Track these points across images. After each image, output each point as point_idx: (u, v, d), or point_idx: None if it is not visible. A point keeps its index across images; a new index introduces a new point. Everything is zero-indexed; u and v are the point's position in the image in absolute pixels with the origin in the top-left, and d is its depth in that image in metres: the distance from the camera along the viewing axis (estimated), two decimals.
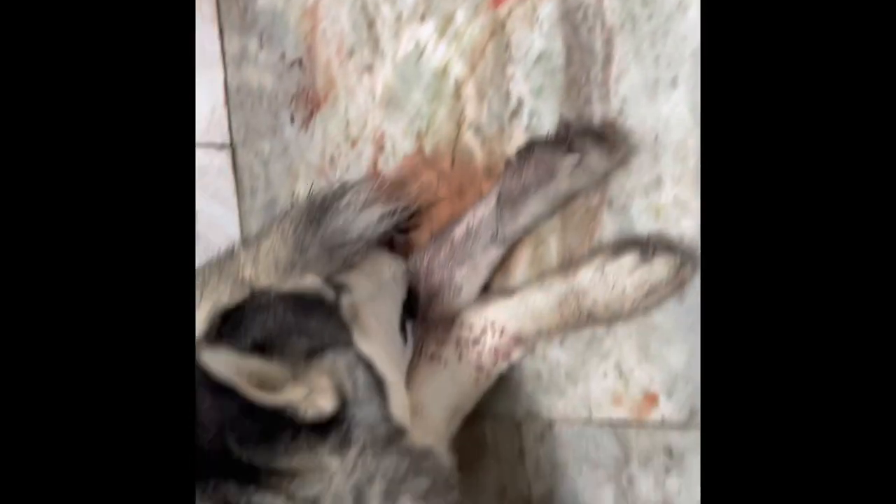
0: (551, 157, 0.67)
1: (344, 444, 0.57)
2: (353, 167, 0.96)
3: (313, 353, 0.61)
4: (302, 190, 1.04)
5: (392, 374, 0.64)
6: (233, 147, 1.15)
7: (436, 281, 0.75)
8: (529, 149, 0.68)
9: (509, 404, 0.78)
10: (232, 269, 0.87)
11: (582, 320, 0.67)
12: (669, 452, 0.66)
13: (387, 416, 0.59)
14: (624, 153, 0.67)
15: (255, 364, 0.57)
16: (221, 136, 1.14)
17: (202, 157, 1.12)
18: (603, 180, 0.69)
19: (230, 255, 0.91)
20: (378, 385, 0.61)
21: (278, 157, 1.07)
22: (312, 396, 0.57)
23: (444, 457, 0.64)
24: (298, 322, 0.63)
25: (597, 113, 0.70)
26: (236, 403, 0.54)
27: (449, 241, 0.74)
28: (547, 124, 0.74)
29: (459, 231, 0.73)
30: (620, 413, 0.69)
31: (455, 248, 0.73)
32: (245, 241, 0.90)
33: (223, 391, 0.53)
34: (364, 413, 0.59)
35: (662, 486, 0.67)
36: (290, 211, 0.82)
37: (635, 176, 0.68)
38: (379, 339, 0.67)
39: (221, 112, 1.14)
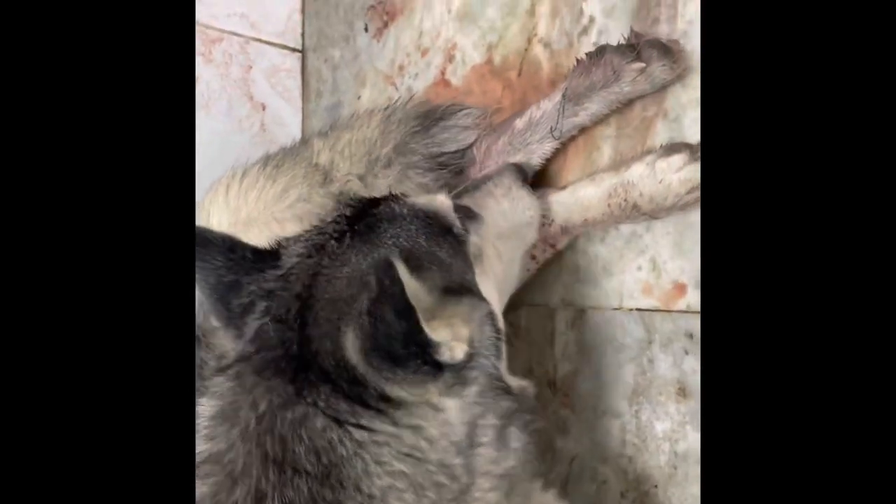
0: (619, 62, 0.74)
1: (458, 385, 0.57)
2: (422, 75, 1.04)
3: (450, 291, 0.60)
4: (367, 96, 1.12)
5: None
6: (304, 51, 1.22)
7: (491, 165, 0.83)
8: (601, 51, 0.75)
9: (546, 294, 0.86)
10: (306, 154, 0.95)
11: (626, 212, 0.75)
12: (690, 336, 0.74)
13: (499, 375, 0.61)
14: (684, 68, 0.75)
15: (413, 287, 0.56)
16: (295, 40, 1.21)
17: (276, 57, 1.20)
18: (661, 93, 0.77)
19: (304, 142, 0.99)
20: (498, 341, 0.62)
21: (348, 64, 1.15)
22: (453, 343, 0.57)
23: (532, 389, 0.66)
24: (430, 248, 0.62)
25: (663, 32, 0.78)
26: (404, 327, 0.52)
27: (510, 130, 0.82)
28: (614, 42, 0.81)
29: (521, 122, 0.81)
30: (649, 302, 0.77)
31: (514, 136, 0.81)
32: (320, 132, 0.98)
33: (402, 312, 0.52)
34: (482, 365, 0.59)
35: (679, 367, 0.75)
36: (395, 112, 0.90)
37: (691, 91, 0.75)
38: (497, 279, 0.68)
39: (297, 18, 1.22)
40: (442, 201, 0.67)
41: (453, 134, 0.85)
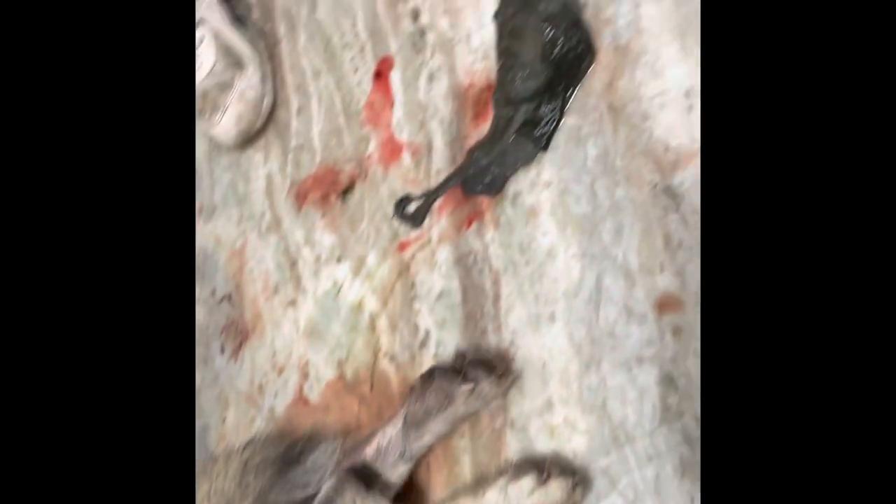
0: (449, 385, 0.75)
1: None
2: (281, 394, 1.02)
3: None
4: (232, 417, 1.09)
5: None
6: None
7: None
8: (430, 376, 0.76)
9: None
10: None
11: None
12: None
13: None
14: (512, 381, 0.76)
15: None
16: None
17: None
18: (504, 403, 0.77)
19: None
20: None
21: (209, 386, 1.12)
22: None
23: None
24: None
25: (492, 342, 0.80)
26: None
27: (361, 458, 0.80)
28: (451, 352, 0.83)
29: (370, 450, 0.79)
30: None
31: (367, 464, 0.79)
32: None
33: None
34: None
35: None
36: (253, 455, 0.86)
37: (530, 399, 0.76)
38: None
39: None
40: None
41: (311, 476, 0.82)
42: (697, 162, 0.67)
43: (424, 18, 0.89)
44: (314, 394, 0.98)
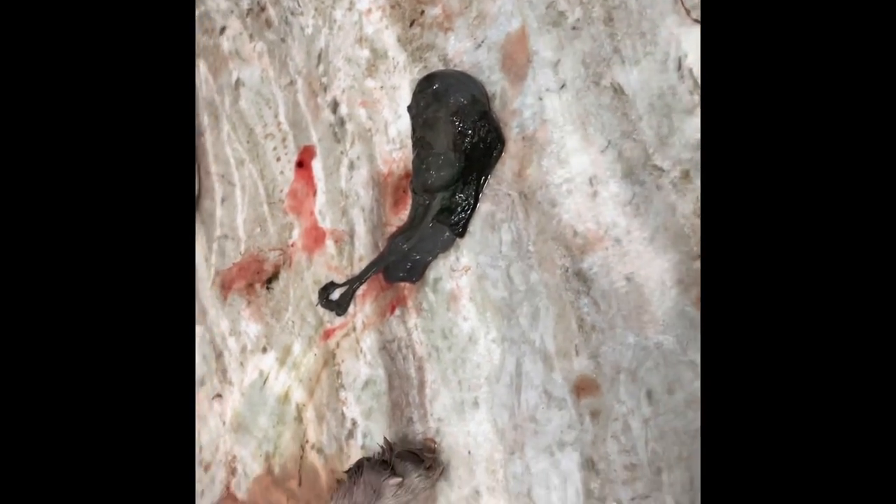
0: (377, 479, 0.73)
1: None
2: (208, 492, 0.98)
3: None
4: None
5: None
6: None
7: None
8: (358, 469, 0.74)
9: None
10: None
11: None
12: None
13: None
14: (441, 472, 0.75)
15: None
16: None
17: None
18: (433, 492, 0.76)
19: None
20: None
21: None
22: None
23: None
24: None
25: (418, 431, 0.79)
26: None
27: None
28: (378, 442, 0.82)
29: None
30: None
31: None
32: None
33: None
34: None
35: None
36: None
37: (457, 489, 0.75)
38: None
39: None
40: None
41: None
42: (604, 246, 0.69)
43: (343, 109, 0.91)
44: (242, 491, 0.94)
